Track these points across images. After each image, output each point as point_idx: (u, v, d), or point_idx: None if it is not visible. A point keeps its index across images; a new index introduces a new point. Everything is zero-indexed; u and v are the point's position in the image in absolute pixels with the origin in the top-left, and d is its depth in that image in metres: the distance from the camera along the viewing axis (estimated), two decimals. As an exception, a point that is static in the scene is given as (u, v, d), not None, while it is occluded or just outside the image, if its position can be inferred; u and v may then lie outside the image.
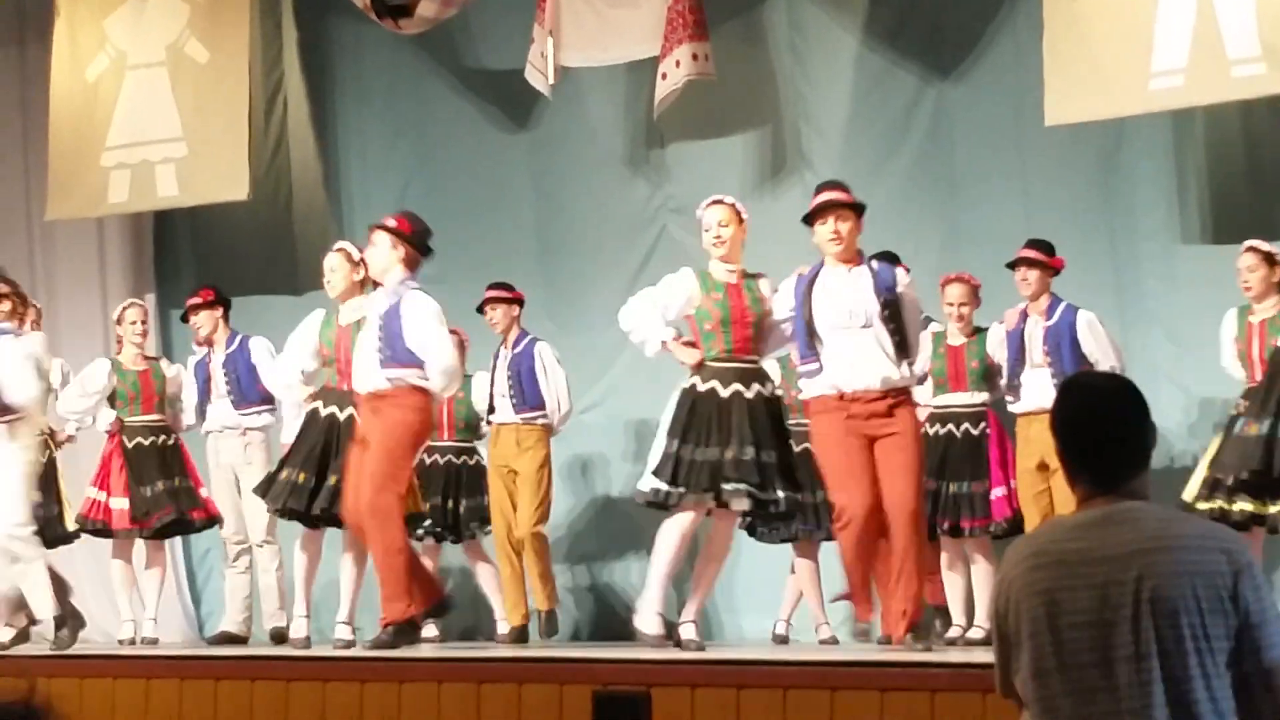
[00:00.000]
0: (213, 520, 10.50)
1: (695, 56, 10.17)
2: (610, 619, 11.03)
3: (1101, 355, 8.97)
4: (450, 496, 10.33)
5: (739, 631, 10.39)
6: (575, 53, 10.58)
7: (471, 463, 10.38)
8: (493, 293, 10.19)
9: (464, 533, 10.39)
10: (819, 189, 8.28)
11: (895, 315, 7.72)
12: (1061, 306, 9.11)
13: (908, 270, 8.21)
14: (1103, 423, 3.50)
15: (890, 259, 8.36)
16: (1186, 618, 3.30)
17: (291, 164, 11.73)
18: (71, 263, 12.27)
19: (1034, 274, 9.12)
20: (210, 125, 11.12)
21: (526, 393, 9.97)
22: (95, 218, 11.86)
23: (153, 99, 11.31)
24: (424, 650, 8.27)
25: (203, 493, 10.42)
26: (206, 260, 12.07)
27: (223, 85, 11.13)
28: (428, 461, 10.38)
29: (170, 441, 10.42)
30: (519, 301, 10.20)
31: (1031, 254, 9.13)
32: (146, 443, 10.33)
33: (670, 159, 11.21)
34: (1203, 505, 8.37)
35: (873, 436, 7.71)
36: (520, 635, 9.95)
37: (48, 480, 10.38)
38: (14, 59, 12.51)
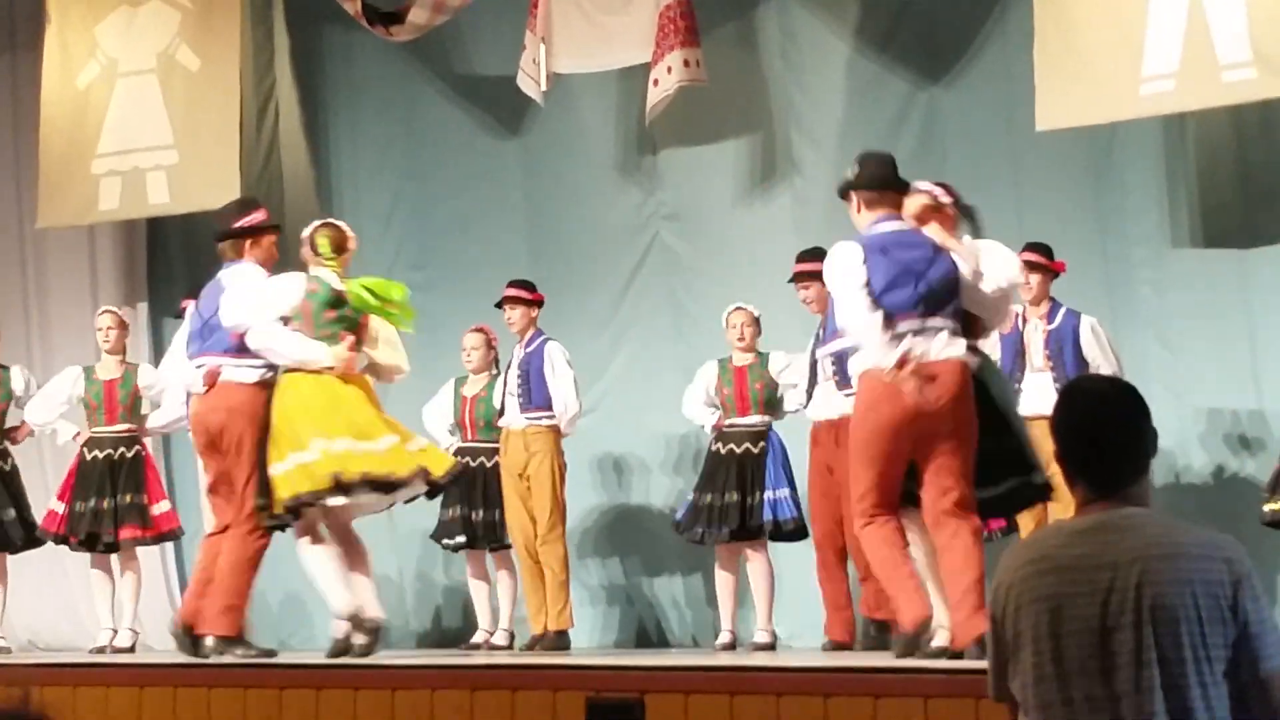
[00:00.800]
0: (161, 537, 10.49)
1: (687, 63, 10.17)
2: (606, 625, 11.05)
3: (1104, 360, 8.98)
4: (470, 504, 10.28)
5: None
6: (567, 59, 10.58)
7: (489, 464, 10.29)
8: (512, 291, 10.14)
9: (480, 544, 10.38)
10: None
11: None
12: (1063, 310, 9.15)
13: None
14: (1104, 427, 3.49)
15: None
16: (1186, 626, 3.30)
17: (283, 171, 11.70)
18: (63, 271, 12.25)
19: (1036, 278, 9.15)
20: (201, 132, 11.10)
21: (534, 392, 9.91)
22: (86, 225, 11.85)
23: (144, 106, 11.29)
24: (418, 657, 8.25)
25: (158, 508, 10.36)
26: (199, 267, 12.03)
27: (214, 92, 11.11)
28: None
29: (130, 454, 10.35)
30: (538, 303, 10.15)
31: (1034, 257, 9.13)
32: (101, 455, 10.27)
33: (662, 165, 11.21)
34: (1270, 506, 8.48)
35: None
36: (552, 643, 9.84)
37: (10, 485, 10.40)
38: (5, 66, 12.49)
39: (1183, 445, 9.62)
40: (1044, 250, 9.21)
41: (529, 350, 10.02)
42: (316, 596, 11.29)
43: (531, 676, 7.05)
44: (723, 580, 9.98)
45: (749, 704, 6.28)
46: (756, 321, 9.87)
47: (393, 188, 11.92)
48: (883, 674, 6.50)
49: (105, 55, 11.45)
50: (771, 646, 9.70)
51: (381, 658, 7.99)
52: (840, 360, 9.10)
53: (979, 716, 5.69)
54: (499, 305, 10.12)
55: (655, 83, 10.23)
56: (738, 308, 9.89)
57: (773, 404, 9.81)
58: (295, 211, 11.84)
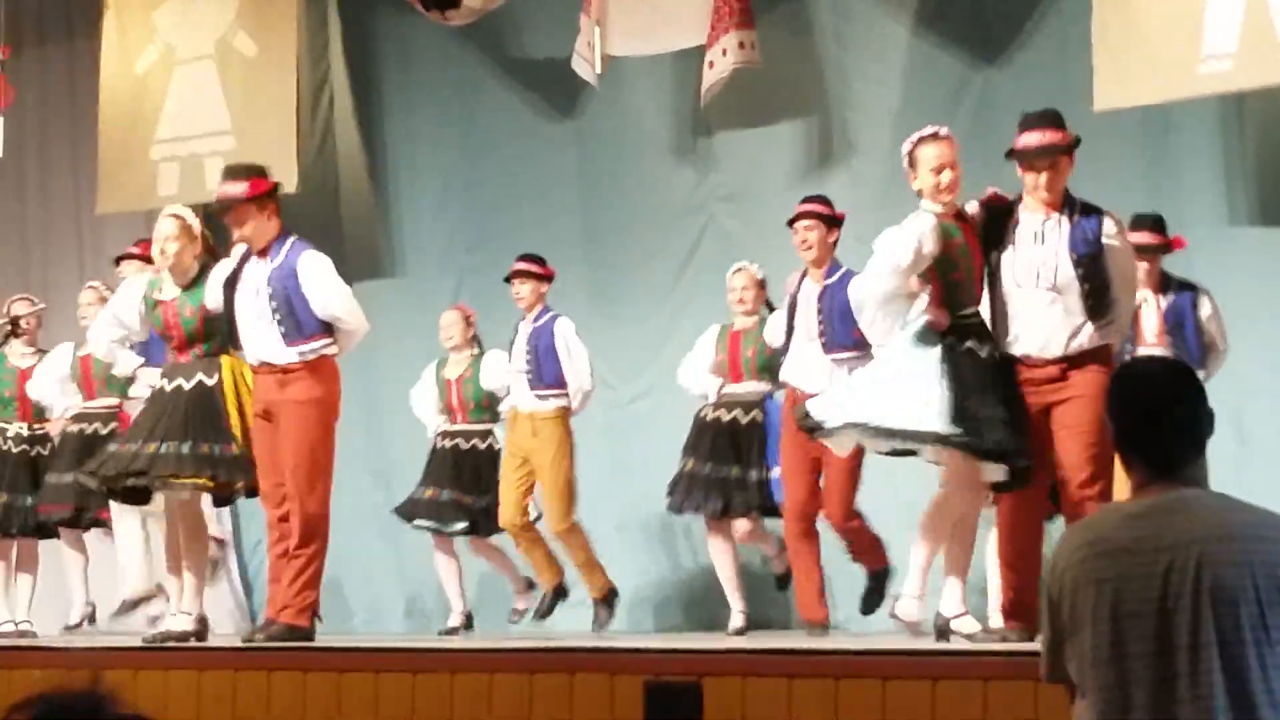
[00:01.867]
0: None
1: (742, 45, 10.16)
2: (661, 616, 11.03)
3: (1219, 336, 8.72)
4: (461, 489, 10.18)
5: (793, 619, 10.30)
6: (622, 41, 10.57)
7: (483, 447, 10.23)
8: (522, 265, 9.92)
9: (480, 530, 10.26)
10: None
11: None
12: (1176, 284, 8.84)
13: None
14: (1161, 407, 3.47)
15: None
16: (1245, 608, 3.28)
17: (338, 156, 11.75)
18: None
19: (1143, 265, 8.52)
20: (258, 118, 11.17)
21: (544, 369, 9.69)
22: (144, 211, 11.89)
23: (201, 92, 11.37)
24: (477, 641, 8.26)
25: None
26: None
27: (270, 78, 11.17)
28: (441, 446, 10.32)
29: (106, 430, 10.20)
30: (548, 278, 9.94)
31: (1149, 239, 8.60)
32: (89, 430, 10.26)
33: (717, 147, 11.20)
34: None
35: None
36: (606, 607, 9.75)
37: (31, 468, 10.45)
38: (62, 54, 12.56)
39: (1241, 427, 9.53)
40: (1158, 226, 8.81)
41: (538, 325, 9.82)
42: (353, 580, 11.43)
43: (589, 659, 7.06)
44: (721, 557, 9.77)
45: (807, 687, 6.27)
46: (760, 284, 9.62)
47: (447, 171, 11.93)
48: (941, 657, 6.49)
49: (163, 41, 11.53)
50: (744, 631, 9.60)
51: (440, 642, 8.01)
52: (831, 317, 8.83)
53: (1038, 699, 5.68)
54: (508, 280, 9.96)
55: (710, 65, 10.22)
56: (739, 269, 9.69)
57: (770, 370, 9.44)
58: (350, 196, 11.92)
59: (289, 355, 8.11)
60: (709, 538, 9.81)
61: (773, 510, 9.39)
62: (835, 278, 8.88)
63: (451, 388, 10.28)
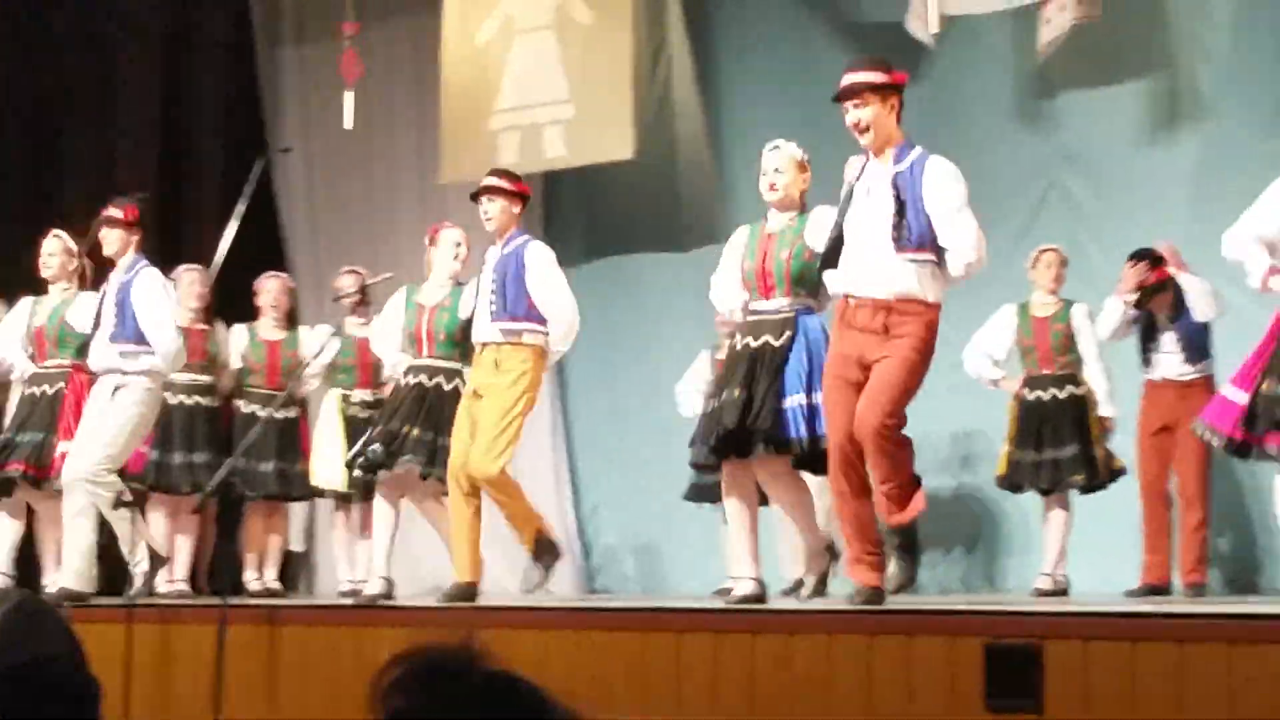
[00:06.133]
0: None
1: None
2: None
3: None
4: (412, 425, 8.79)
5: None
6: (958, 0, 10.43)
7: (448, 388, 8.87)
8: (491, 181, 8.66)
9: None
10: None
11: None
12: None
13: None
14: None
15: None
16: None
17: (676, 121, 11.80)
18: (463, 224, 12.55)
19: None
20: (596, 86, 11.27)
21: (510, 299, 8.44)
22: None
23: (540, 62, 11.51)
24: (814, 603, 8.22)
25: None
26: (593, 219, 12.23)
27: (608, 45, 11.26)
28: (403, 382, 9.00)
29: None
30: (522, 197, 8.72)
31: None
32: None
33: (1059, 107, 10.98)
34: None
35: None
36: (466, 594, 8.42)
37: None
38: (406, 27, 12.80)
39: None
40: None
41: (506, 252, 8.59)
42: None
43: (929, 622, 6.99)
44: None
45: (1151, 651, 6.11)
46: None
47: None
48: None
49: (503, 13, 11.70)
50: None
51: (778, 604, 8.00)
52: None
53: None
54: (474, 198, 8.74)
55: (1048, 21, 10.03)
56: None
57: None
58: (688, 162, 11.94)
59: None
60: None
61: None
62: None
63: (423, 315, 9.19)
